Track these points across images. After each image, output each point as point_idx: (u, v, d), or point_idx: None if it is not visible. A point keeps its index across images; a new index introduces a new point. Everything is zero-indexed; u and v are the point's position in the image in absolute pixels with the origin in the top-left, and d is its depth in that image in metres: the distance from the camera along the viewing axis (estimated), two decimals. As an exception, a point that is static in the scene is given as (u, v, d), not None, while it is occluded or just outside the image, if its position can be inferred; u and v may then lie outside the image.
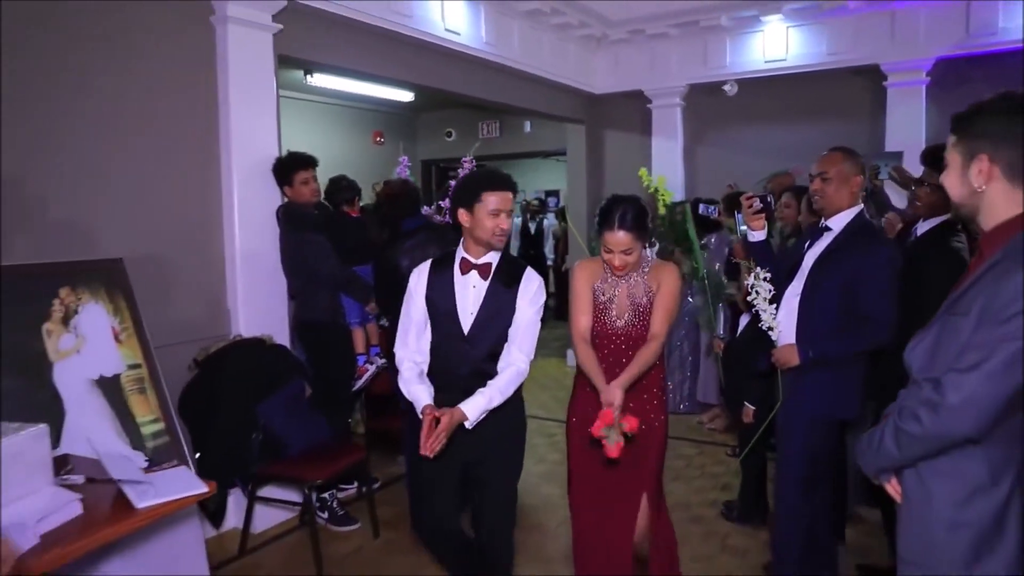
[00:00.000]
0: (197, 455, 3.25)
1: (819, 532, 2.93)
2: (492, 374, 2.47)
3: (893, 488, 1.73)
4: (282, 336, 3.91)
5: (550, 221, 11.33)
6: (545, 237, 10.97)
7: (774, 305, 2.74)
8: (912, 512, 1.65)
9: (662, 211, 4.39)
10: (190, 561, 2.92)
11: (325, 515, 3.83)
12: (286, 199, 3.87)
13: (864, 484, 3.69)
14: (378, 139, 9.38)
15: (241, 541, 3.53)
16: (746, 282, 2.85)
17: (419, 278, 2.55)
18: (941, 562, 1.58)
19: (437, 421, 2.30)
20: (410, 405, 2.49)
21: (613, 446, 2.32)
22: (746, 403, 3.55)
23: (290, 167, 3.77)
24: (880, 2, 5.73)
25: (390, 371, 3.70)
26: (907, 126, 5.79)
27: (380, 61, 4.75)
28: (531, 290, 2.49)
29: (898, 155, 5.31)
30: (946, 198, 1.73)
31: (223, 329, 3.72)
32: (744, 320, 3.85)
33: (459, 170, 5.14)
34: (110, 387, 3.00)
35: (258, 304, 3.82)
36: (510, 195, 2.44)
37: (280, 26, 3.87)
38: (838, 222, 2.65)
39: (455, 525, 2.64)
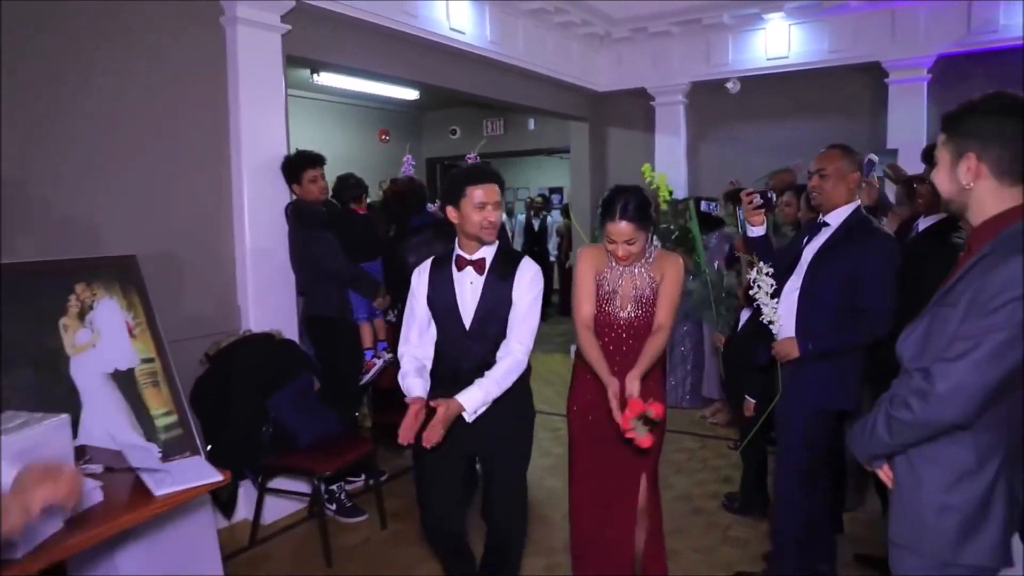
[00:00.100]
0: (208, 447, 3.33)
1: (818, 522, 2.99)
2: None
3: (885, 474, 1.79)
4: (291, 331, 3.98)
5: (555, 218, 11.38)
6: (549, 234, 11.03)
7: (775, 299, 2.80)
8: (903, 497, 1.71)
9: (664, 207, 4.45)
10: (203, 550, 3.00)
11: (333, 507, 3.90)
12: (294, 197, 3.93)
13: (859, 483, 3.78)
14: (383, 137, 9.45)
15: (251, 532, 3.60)
16: (748, 276, 2.91)
17: (420, 277, 2.58)
18: (930, 545, 1.64)
19: (431, 412, 2.30)
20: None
21: (643, 437, 2.33)
22: (747, 396, 3.63)
23: (299, 165, 3.84)
24: (881, 0, 5.77)
25: (397, 366, 3.77)
26: (908, 123, 5.84)
27: (386, 60, 4.82)
28: (525, 279, 2.49)
29: (893, 152, 5.36)
30: None
31: (233, 324, 3.79)
32: (744, 315, 3.91)
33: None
34: (125, 380, 3.08)
35: (267, 300, 3.90)
36: (495, 187, 2.44)
37: (288, 27, 3.94)
38: (836, 217, 2.71)
39: (458, 525, 2.66)
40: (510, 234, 10.12)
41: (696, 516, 3.88)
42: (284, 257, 3.95)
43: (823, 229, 2.73)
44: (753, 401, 3.56)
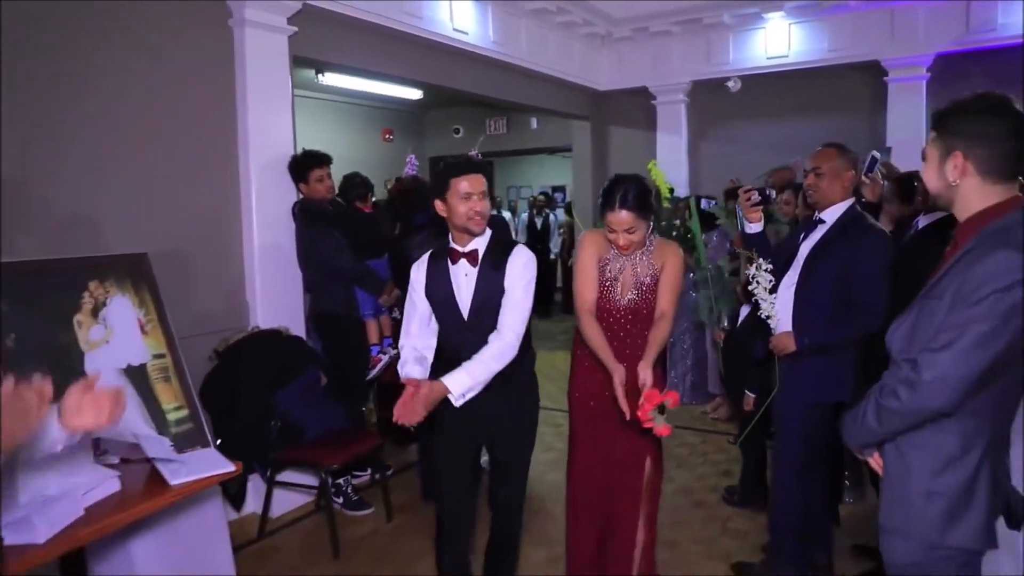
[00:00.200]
0: (218, 441, 3.39)
1: (815, 513, 3.06)
2: None
3: (875, 462, 1.86)
4: (298, 328, 4.05)
5: (558, 216, 11.44)
6: (551, 232, 11.09)
7: (773, 295, 2.86)
8: (892, 483, 1.78)
9: (665, 204, 4.51)
10: (214, 540, 3.06)
11: (340, 500, 3.97)
12: (301, 196, 4.00)
13: (858, 476, 3.83)
14: (387, 136, 9.52)
15: (260, 524, 3.67)
16: (747, 272, 2.96)
17: (419, 271, 2.60)
18: (918, 528, 1.70)
19: None
20: None
21: (662, 427, 2.34)
22: (746, 391, 3.69)
23: (306, 165, 3.91)
24: (880, -1, 5.84)
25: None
26: (907, 121, 5.89)
27: (390, 61, 4.89)
28: (517, 266, 2.49)
29: (886, 151, 5.41)
30: None
31: (242, 321, 3.86)
32: (744, 311, 3.97)
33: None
34: (137, 375, 3.14)
35: (275, 297, 3.97)
36: (479, 177, 2.45)
37: (295, 28, 4.01)
38: (831, 215, 2.77)
39: (469, 512, 2.67)
40: (513, 232, 10.18)
41: (697, 509, 3.94)
42: (291, 255, 4.03)
43: (819, 226, 2.79)
44: (752, 396, 3.62)
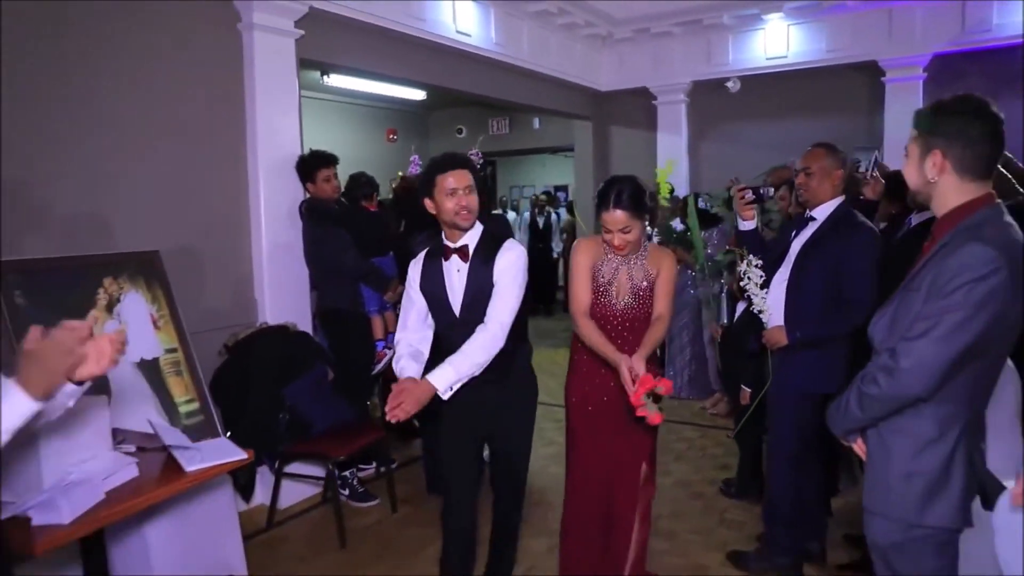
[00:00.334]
0: (228, 433, 3.49)
1: (808, 503, 3.15)
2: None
3: (859, 447, 1.95)
4: (305, 324, 4.15)
5: (561, 215, 11.51)
6: (553, 231, 11.18)
7: (764, 290, 2.95)
8: (874, 467, 1.87)
9: (664, 204, 4.59)
10: (226, 527, 3.16)
11: (346, 492, 4.06)
12: (308, 195, 4.10)
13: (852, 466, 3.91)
14: (391, 136, 9.61)
15: (269, 515, 3.76)
16: (739, 269, 3.05)
17: (415, 268, 2.63)
18: (898, 509, 1.79)
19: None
20: None
21: (654, 414, 2.36)
22: (742, 386, 3.78)
23: (313, 165, 4.00)
24: (878, 0, 5.90)
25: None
26: (904, 121, 5.80)
27: (395, 63, 4.98)
28: (505, 259, 2.50)
29: (872, 149, 5.48)
30: None
31: (250, 317, 3.96)
32: (741, 307, 4.05)
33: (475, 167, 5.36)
34: (150, 369, 3.25)
35: (283, 294, 4.07)
36: (465, 172, 2.46)
37: (302, 31, 4.10)
38: (821, 212, 2.86)
39: (472, 505, 2.71)
40: (516, 231, 10.25)
41: (695, 500, 4.03)
42: (299, 253, 4.12)
43: (810, 223, 2.88)
44: (748, 390, 3.71)
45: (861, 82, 6.40)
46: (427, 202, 2.51)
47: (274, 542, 3.65)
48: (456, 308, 2.55)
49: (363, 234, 4.18)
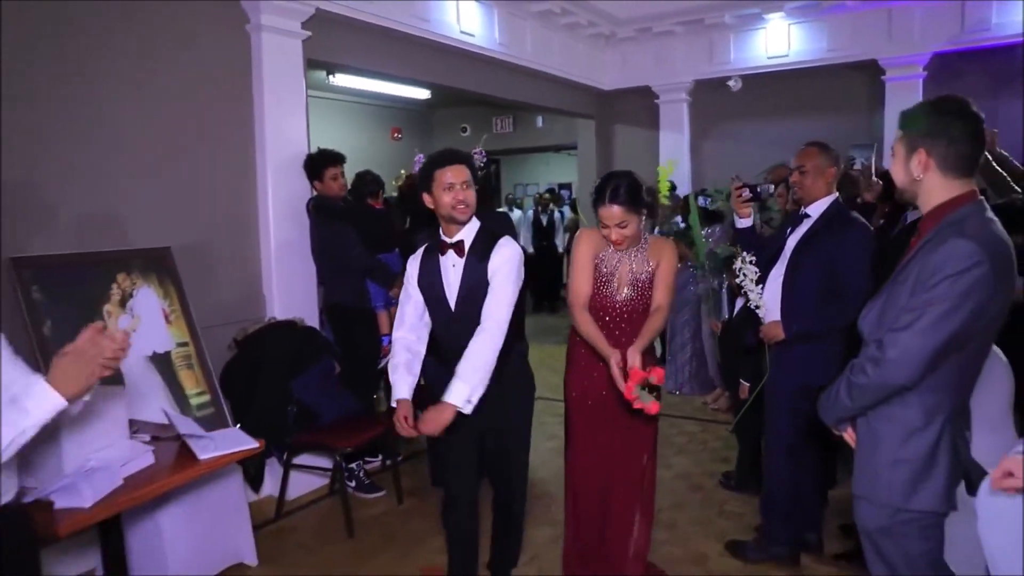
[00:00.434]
0: (237, 425, 3.57)
1: (804, 494, 3.21)
2: None
3: (849, 436, 2.02)
4: (312, 319, 4.24)
5: (565, 213, 11.57)
6: (556, 228, 11.24)
7: (760, 286, 3.02)
8: (863, 454, 1.94)
9: (665, 202, 4.65)
10: (236, 516, 3.26)
11: (353, 484, 4.13)
12: (315, 193, 4.18)
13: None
14: (396, 135, 9.69)
15: (277, 505, 3.84)
16: (735, 265, 3.12)
17: (413, 263, 2.67)
18: (885, 494, 1.87)
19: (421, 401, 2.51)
20: (430, 382, 2.73)
21: (650, 403, 2.38)
22: (741, 380, 3.85)
23: (321, 163, 4.08)
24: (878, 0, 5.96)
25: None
26: (905, 119, 6.00)
27: (400, 63, 5.06)
28: (499, 256, 2.52)
29: (870, 146, 5.54)
30: None
31: (259, 312, 4.05)
32: (740, 303, 4.12)
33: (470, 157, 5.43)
34: (162, 362, 3.35)
35: (291, 289, 4.16)
36: (462, 167, 2.49)
37: (308, 32, 4.18)
38: (816, 209, 2.94)
39: (473, 500, 2.75)
40: (517, 228, 10.32)
41: (695, 492, 4.10)
42: (306, 249, 4.21)
43: (804, 220, 2.96)
44: (747, 384, 3.77)
45: (861, 81, 6.46)
46: (426, 197, 2.55)
47: (283, 532, 3.73)
48: (452, 303, 2.58)
49: (369, 231, 4.25)
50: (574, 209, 10.27)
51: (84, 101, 3.28)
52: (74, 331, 2.98)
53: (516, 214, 11.10)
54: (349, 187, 4.42)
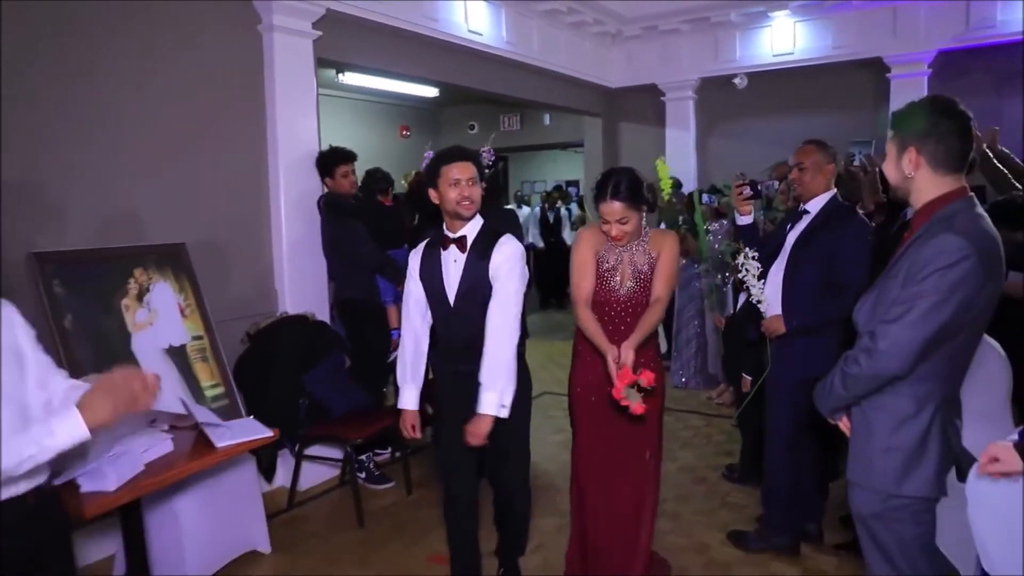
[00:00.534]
0: (250, 417, 3.66)
1: (804, 485, 3.28)
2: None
3: (844, 425, 2.08)
4: (323, 314, 4.33)
5: (572, 210, 11.63)
6: (563, 224, 11.30)
7: (762, 281, 3.08)
8: (857, 442, 2.01)
9: (667, 199, 4.70)
10: (250, 505, 3.34)
11: (363, 475, 4.22)
12: (326, 190, 4.26)
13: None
14: (404, 132, 9.76)
15: (290, 496, 3.94)
16: (737, 261, 3.18)
17: (415, 257, 2.70)
18: (878, 480, 1.93)
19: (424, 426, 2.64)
20: (436, 378, 2.79)
21: (636, 404, 2.40)
22: (743, 374, 3.91)
23: (333, 161, 4.17)
24: (882, -2, 6.00)
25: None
26: (909, 117, 6.03)
27: (408, 62, 5.14)
28: (501, 254, 2.55)
29: (868, 143, 5.58)
30: None
31: (271, 307, 4.14)
32: (743, 298, 4.18)
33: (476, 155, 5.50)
34: (178, 355, 3.44)
35: (302, 285, 4.25)
36: (468, 164, 2.53)
37: (319, 32, 4.26)
38: (815, 205, 3.00)
39: (474, 494, 2.78)
40: (525, 225, 10.38)
41: (698, 484, 4.17)
42: (317, 245, 4.29)
43: (804, 216, 3.02)
44: (749, 378, 3.83)
45: (866, 78, 6.49)
46: (432, 192, 2.59)
47: (295, 521, 3.82)
48: (451, 298, 2.61)
49: (379, 227, 4.33)
50: (581, 206, 10.32)
51: (102, 103, 3.37)
52: (94, 324, 3.10)
53: (524, 211, 11.16)
54: (359, 184, 4.50)
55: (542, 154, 13.52)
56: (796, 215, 3.08)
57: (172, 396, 3.12)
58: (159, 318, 3.40)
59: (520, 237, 2.96)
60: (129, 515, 2.35)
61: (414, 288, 2.70)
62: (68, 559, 1.78)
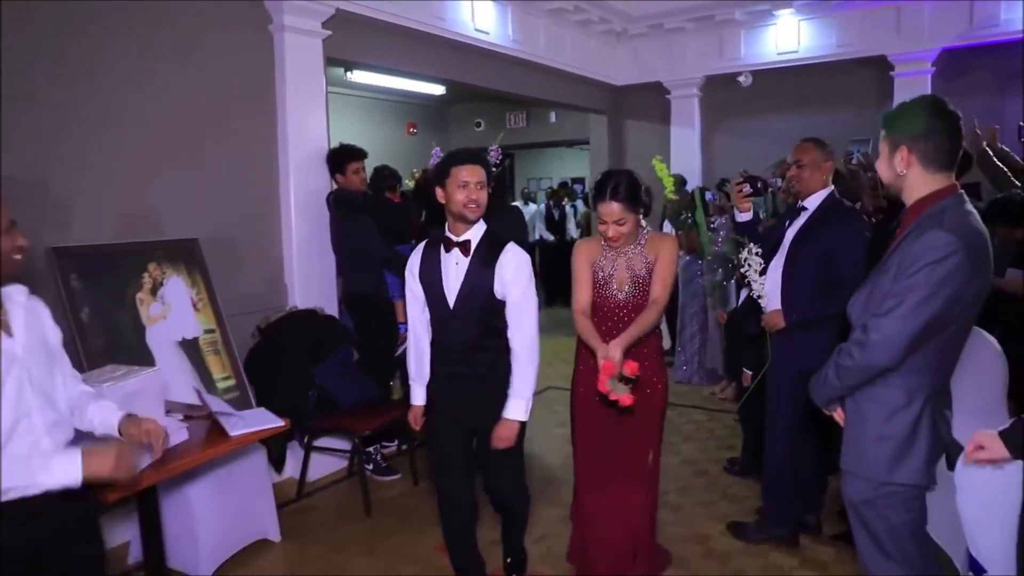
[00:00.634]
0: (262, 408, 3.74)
1: (804, 478, 3.34)
2: (483, 347, 2.60)
3: (839, 416, 2.15)
4: (332, 308, 4.41)
5: (578, 207, 11.68)
6: (568, 221, 11.37)
7: (763, 276, 3.14)
8: (850, 431, 2.07)
9: (670, 198, 4.76)
10: (260, 494, 3.42)
11: (370, 467, 4.30)
12: (335, 186, 4.33)
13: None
14: (411, 130, 9.83)
15: (298, 486, 4.02)
16: (739, 256, 3.24)
17: (415, 256, 2.69)
18: (870, 468, 1.99)
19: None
20: (432, 378, 2.78)
21: (623, 395, 2.42)
22: (744, 368, 3.97)
23: (344, 157, 4.24)
24: (886, -4, 6.04)
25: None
26: (913, 115, 6.07)
27: (416, 60, 5.21)
28: (510, 268, 2.55)
29: (866, 141, 5.62)
30: None
31: (281, 301, 4.22)
32: (744, 294, 4.24)
33: (487, 158, 5.56)
34: (190, 348, 3.52)
35: (311, 279, 4.33)
36: (478, 168, 2.53)
37: (328, 32, 4.33)
38: (813, 202, 3.06)
39: (468, 496, 2.77)
40: (531, 221, 10.43)
41: (700, 477, 4.24)
42: (326, 241, 4.37)
43: (802, 213, 3.08)
44: (750, 372, 3.90)
45: (870, 76, 6.52)
46: (438, 191, 2.58)
47: (304, 511, 3.90)
48: (451, 301, 2.59)
49: (387, 223, 4.40)
50: (586, 203, 10.37)
51: (117, 103, 3.45)
52: (110, 317, 3.18)
53: (530, 208, 11.23)
54: (368, 181, 4.57)
55: (548, 151, 13.58)
56: (794, 212, 3.14)
57: (187, 387, 3.22)
58: (172, 312, 3.48)
59: (525, 237, 3.00)
60: (146, 501, 2.43)
61: (415, 288, 2.70)
62: (97, 541, 1.85)
